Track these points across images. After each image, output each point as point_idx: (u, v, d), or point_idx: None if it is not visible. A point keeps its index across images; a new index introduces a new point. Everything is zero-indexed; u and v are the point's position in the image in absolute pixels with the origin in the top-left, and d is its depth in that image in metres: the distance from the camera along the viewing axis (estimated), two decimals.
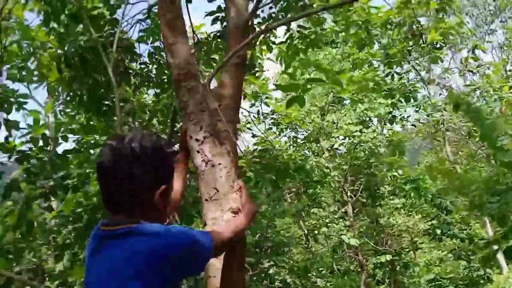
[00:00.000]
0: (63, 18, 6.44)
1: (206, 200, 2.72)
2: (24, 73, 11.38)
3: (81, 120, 9.44)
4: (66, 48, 6.61)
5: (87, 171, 6.55)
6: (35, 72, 11.35)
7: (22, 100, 8.92)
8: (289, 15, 6.34)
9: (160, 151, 1.91)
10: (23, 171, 6.15)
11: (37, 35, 10.07)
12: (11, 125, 6.02)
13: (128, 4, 6.95)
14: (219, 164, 2.77)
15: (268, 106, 11.35)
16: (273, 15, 7.11)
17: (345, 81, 9.85)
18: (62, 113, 11.20)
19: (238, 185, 2.73)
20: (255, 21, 6.91)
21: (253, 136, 10.62)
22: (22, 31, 11.23)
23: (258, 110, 11.12)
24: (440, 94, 18.54)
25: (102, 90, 7.14)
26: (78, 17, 6.43)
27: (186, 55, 3.05)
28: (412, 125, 13.25)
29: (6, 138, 6.06)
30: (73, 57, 6.43)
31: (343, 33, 12.94)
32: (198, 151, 2.84)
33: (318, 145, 12.23)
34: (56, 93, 10.85)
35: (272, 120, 11.07)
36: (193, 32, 6.77)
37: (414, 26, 12.61)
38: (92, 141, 8.05)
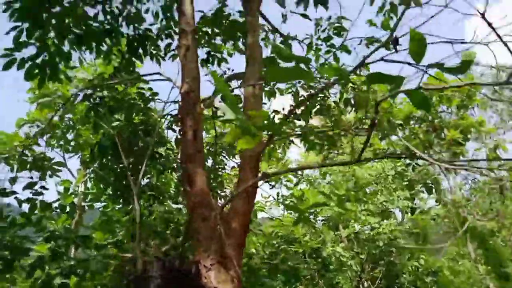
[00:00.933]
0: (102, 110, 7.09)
1: None
2: (61, 142, 12.26)
3: (107, 192, 9.89)
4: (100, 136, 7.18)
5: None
6: (72, 143, 12.21)
7: (56, 167, 9.59)
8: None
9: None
10: (49, 250, 6.52)
11: (78, 110, 10.90)
12: (44, 207, 6.49)
13: (159, 101, 7.59)
14: None
15: (288, 189, 11.61)
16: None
17: (352, 198, 10.12)
18: (92, 180, 11.81)
19: None
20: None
21: (271, 219, 10.77)
22: (67, 106, 12.22)
23: (278, 192, 11.37)
24: (465, 184, 18.39)
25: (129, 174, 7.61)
26: (114, 110, 7.08)
27: (202, 185, 3.43)
28: (432, 219, 13.14)
29: (40, 218, 6.50)
30: (106, 146, 6.98)
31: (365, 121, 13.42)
32: (205, 277, 3.11)
33: (337, 233, 12.22)
34: (88, 163, 11.51)
35: (291, 204, 11.25)
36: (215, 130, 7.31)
37: (436, 121, 12.94)
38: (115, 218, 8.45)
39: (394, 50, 3.90)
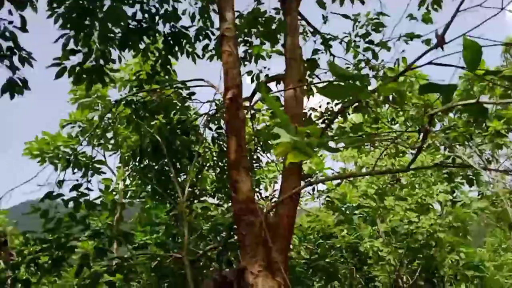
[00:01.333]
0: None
1: None
2: (102, 141, 12.64)
3: (147, 189, 10.10)
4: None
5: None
6: (111, 141, 12.57)
7: (97, 166, 9.90)
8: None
9: None
10: (93, 249, 6.78)
11: (116, 109, 11.17)
12: (89, 206, 6.73)
13: (198, 102, 7.68)
14: None
15: (324, 184, 11.54)
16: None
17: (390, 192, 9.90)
18: (131, 177, 12.12)
19: None
20: None
21: (308, 214, 10.76)
22: (104, 106, 12.58)
23: (314, 187, 11.32)
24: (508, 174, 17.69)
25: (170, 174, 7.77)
26: (155, 112, 7.24)
27: (247, 192, 3.47)
28: (474, 213, 12.77)
29: (84, 217, 6.76)
30: (147, 148, 7.16)
31: (402, 114, 13.12)
32: (252, 285, 3.16)
33: (374, 227, 12.07)
34: (126, 161, 11.82)
35: (327, 199, 11.22)
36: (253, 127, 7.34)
37: None
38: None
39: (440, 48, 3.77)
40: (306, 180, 4.76)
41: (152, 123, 7.85)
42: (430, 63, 3.17)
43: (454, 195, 13.10)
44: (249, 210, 3.43)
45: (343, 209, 10.30)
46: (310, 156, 1.99)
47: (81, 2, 6.17)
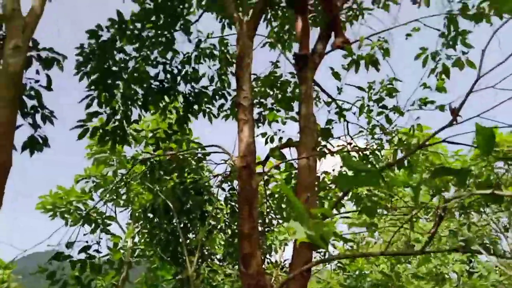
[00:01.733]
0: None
1: None
2: (114, 196, 12.66)
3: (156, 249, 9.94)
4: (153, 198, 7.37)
5: None
6: (123, 197, 12.58)
7: (107, 221, 9.84)
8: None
9: None
10: None
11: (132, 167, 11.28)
12: (94, 269, 6.63)
13: (212, 163, 7.75)
14: None
15: (335, 248, 11.26)
16: None
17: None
18: (140, 234, 11.97)
19: None
20: None
21: (318, 281, 10.39)
22: (120, 161, 12.73)
23: (324, 253, 11.00)
24: None
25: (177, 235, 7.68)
26: (169, 172, 7.30)
27: (257, 266, 3.40)
28: (493, 285, 12.21)
29: (90, 280, 6.63)
30: (158, 207, 7.15)
31: (416, 177, 13.02)
32: None
33: None
34: (137, 218, 11.74)
35: (338, 264, 10.89)
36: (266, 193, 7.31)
37: (492, 178, 12.34)
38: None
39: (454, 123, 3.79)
40: (318, 251, 4.65)
41: (166, 180, 7.89)
42: (444, 141, 3.19)
43: (471, 264, 12.63)
44: (259, 286, 3.34)
45: (354, 276, 9.91)
46: (324, 248, 1.97)
47: (106, 64, 6.46)
